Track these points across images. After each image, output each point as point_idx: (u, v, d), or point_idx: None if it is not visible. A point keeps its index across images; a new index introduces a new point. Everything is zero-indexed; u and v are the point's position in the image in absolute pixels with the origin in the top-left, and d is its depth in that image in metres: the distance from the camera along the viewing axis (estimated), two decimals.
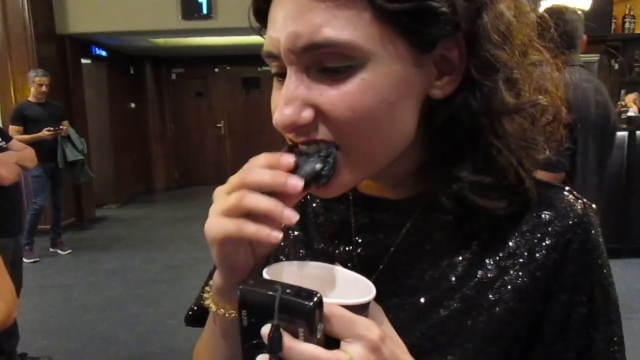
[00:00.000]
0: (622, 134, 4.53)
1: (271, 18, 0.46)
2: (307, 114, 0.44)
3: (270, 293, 0.38)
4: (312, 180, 0.44)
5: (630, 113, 4.83)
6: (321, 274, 0.48)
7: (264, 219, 0.43)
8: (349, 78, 0.43)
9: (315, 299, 0.38)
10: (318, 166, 0.44)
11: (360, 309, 0.42)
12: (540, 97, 0.49)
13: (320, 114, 0.45)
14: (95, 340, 3.37)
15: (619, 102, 5.18)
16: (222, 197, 0.45)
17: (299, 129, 0.45)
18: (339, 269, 0.49)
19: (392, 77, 0.44)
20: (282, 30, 0.44)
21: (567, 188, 0.52)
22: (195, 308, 0.67)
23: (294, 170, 0.44)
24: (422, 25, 0.43)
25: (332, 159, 0.45)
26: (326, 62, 0.43)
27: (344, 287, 0.47)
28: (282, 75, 0.47)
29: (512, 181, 0.49)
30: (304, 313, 0.38)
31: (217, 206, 0.45)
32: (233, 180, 0.45)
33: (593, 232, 0.50)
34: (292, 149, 0.47)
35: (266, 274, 0.44)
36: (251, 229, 0.43)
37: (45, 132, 4.70)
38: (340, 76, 0.44)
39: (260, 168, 0.44)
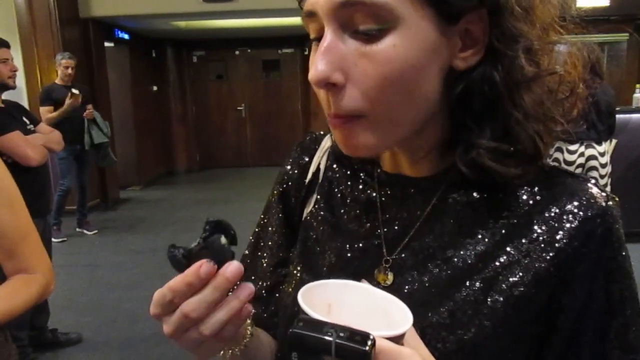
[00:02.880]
0: None
1: None
2: (339, 77, 0.47)
3: (325, 338, 0.39)
4: (231, 256, 0.46)
5: None
6: (354, 297, 0.49)
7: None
8: (381, 42, 0.45)
9: (370, 342, 0.39)
10: (223, 241, 0.46)
11: (401, 337, 0.43)
12: (558, 67, 0.51)
13: (351, 80, 0.47)
14: (121, 317, 3.48)
15: None
16: (176, 330, 0.45)
17: (329, 87, 0.47)
18: (370, 289, 0.50)
19: (420, 43, 0.46)
20: None
21: (592, 180, 0.53)
22: None
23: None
24: None
25: (225, 226, 0.47)
26: (359, 23, 0.45)
27: (381, 310, 0.48)
28: (319, 39, 0.49)
29: (529, 151, 0.51)
30: (360, 357, 0.38)
31: (184, 340, 0.46)
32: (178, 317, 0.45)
33: (615, 225, 0.51)
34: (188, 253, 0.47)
35: (301, 298, 0.44)
36: (229, 332, 0.46)
37: (67, 103, 4.57)
38: (372, 40, 0.45)
39: (200, 300, 0.44)
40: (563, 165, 3.48)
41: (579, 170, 3.51)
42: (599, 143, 3.51)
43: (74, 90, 4.61)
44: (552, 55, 0.51)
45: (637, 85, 4.93)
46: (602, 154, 3.53)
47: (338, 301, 0.48)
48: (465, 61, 0.49)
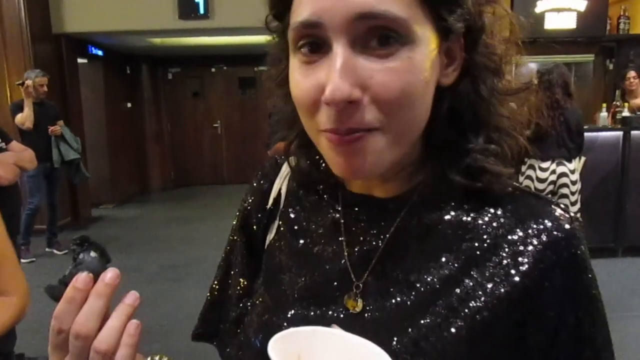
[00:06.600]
0: (616, 134, 4.55)
1: None
2: (357, 93, 0.44)
3: None
4: (104, 266, 0.46)
5: (625, 113, 4.85)
6: (325, 344, 0.46)
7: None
8: (396, 56, 0.45)
9: None
10: (93, 255, 0.48)
11: None
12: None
13: (368, 95, 0.45)
14: None
15: (613, 103, 5.20)
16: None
17: (347, 106, 0.44)
18: (341, 334, 0.47)
19: (429, 57, 0.47)
20: None
21: (554, 201, 0.53)
22: (200, 329, 0.71)
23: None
24: (449, 12, 0.47)
25: (92, 241, 0.48)
26: (375, 36, 0.44)
27: (355, 357, 0.45)
28: (311, 45, 0.46)
29: (507, 156, 0.53)
30: None
31: None
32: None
33: (581, 247, 0.50)
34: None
35: (272, 350, 0.41)
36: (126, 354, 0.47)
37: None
38: (387, 54, 0.44)
39: (86, 312, 0.44)
40: (535, 182, 3.56)
41: (550, 187, 3.59)
42: (569, 161, 3.60)
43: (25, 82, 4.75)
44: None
45: (603, 105, 5.10)
46: (573, 171, 3.62)
47: (308, 350, 0.45)
48: (449, 77, 0.51)
